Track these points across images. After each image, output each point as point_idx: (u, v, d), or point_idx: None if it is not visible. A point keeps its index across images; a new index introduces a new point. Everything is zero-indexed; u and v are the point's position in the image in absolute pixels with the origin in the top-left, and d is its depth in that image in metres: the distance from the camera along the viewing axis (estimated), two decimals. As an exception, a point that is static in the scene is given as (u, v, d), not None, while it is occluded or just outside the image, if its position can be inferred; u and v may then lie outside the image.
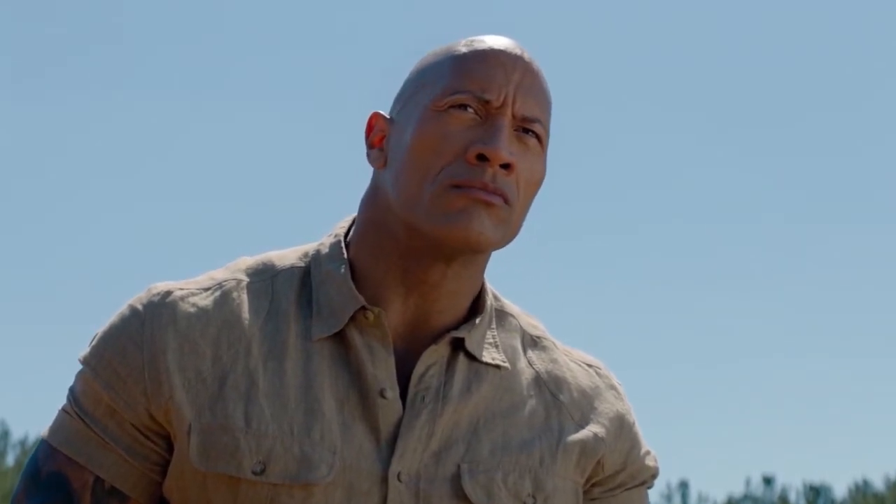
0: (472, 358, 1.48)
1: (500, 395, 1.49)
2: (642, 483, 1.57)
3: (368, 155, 1.50)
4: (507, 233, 1.44)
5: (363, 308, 1.44)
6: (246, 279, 1.49)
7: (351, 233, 1.51)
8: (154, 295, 1.46)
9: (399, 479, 1.41)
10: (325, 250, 1.50)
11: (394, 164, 1.45)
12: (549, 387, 1.53)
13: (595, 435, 1.52)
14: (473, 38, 1.47)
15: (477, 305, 1.51)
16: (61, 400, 1.49)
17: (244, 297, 1.47)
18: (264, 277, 1.49)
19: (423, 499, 1.42)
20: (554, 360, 1.55)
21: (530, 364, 1.54)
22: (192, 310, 1.45)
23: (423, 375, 1.45)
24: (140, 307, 1.45)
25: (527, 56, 1.46)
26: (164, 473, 1.45)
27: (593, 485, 1.53)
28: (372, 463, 1.41)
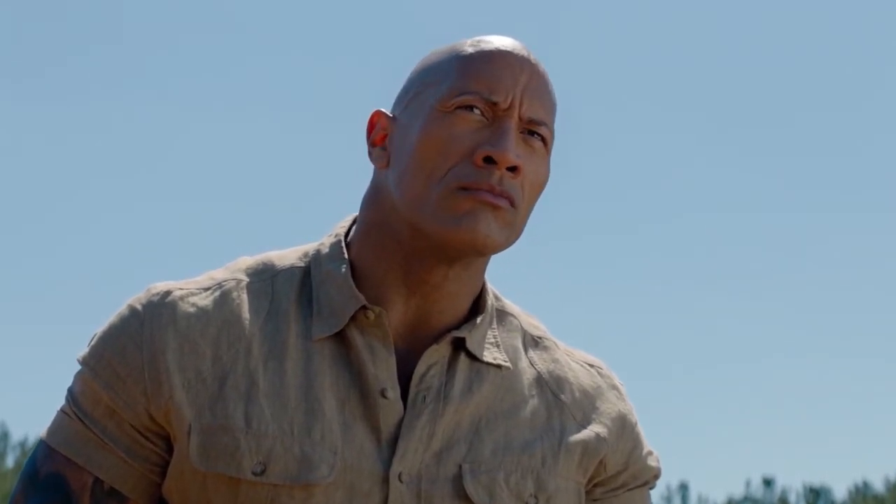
0: (473, 358, 1.48)
1: (501, 394, 1.48)
2: (644, 483, 1.57)
3: (370, 153, 1.49)
4: (512, 235, 1.43)
5: (364, 307, 1.44)
6: (246, 279, 1.48)
7: (352, 232, 1.51)
8: (153, 295, 1.45)
9: (400, 480, 1.41)
10: (325, 250, 1.50)
11: (398, 163, 1.44)
12: (551, 386, 1.52)
13: (597, 435, 1.51)
14: (479, 37, 1.46)
15: (478, 305, 1.51)
16: (61, 401, 1.48)
17: (244, 296, 1.46)
18: (264, 277, 1.49)
19: (425, 499, 1.41)
20: (555, 360, 1.55)
21: (532, 364, 1.53)
22: (191, 310, 1.44)
23: (424, 375, 1.44)
24: (139, 307, 1.45)
25: (533, 58, 1.45)
26: (163, 474, 1.45)
27: (595, 485, 1.53)
28: (373, 463, 1.41)
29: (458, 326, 1.48)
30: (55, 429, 1.46)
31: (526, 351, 1.54)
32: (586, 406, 1.53)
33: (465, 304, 1.48)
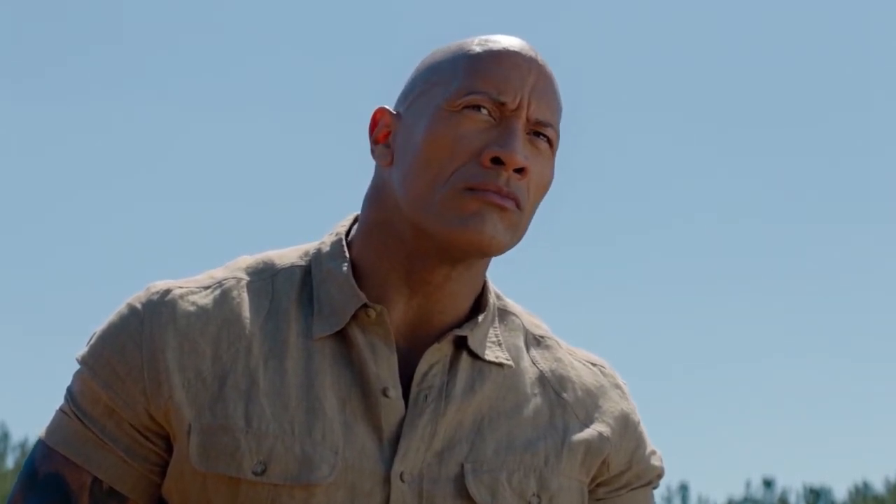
0: (475, 356, 1.47)
1: (503, 393, 1.48)
2: (648, 483, 1.56)
3: (373, 151, 1.48)
4: (516, 237, 1.43)
5: (365, 306, 1.43)
6: (246, 278, 1.48)
7: (353, 231, 1.50)
8: (153, 293, 1.45)
9: (402, 479, 1.40)
10: (326, 249, 1.49)
11: (402, 162, 1.44)
12: (554, 385, 1.52)
13: (600, 434, 1.51)
14: (486, 36, 1.45)
15: (479, 304, 1.50)
16: (61, 402, 1.48)
17: (244, 295, 1.46)
18: (264, 276, 1.48)
19: (427, 499, 1.40)
20: (558, 359, 1.54)
21: (534, 363, 1.53)
22: (191, 308, 1.44)
23: (425, 374, 1.44)
24: (139, 305, 1.44)
25: (540, 58, 1.45)
26: (163, 474, 1.44)
27: (598, 485, 1.52)
28: (374, 463, 1.40)
29: (459, 325, 1.47)
30: (54, 428, 1.46)
31: (528, 350, 1.53)
32: (589, 405, 1.52)
33: (466, 304, 1.48)
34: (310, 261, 1.49)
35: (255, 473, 1.38)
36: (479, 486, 1.42)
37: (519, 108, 1.42)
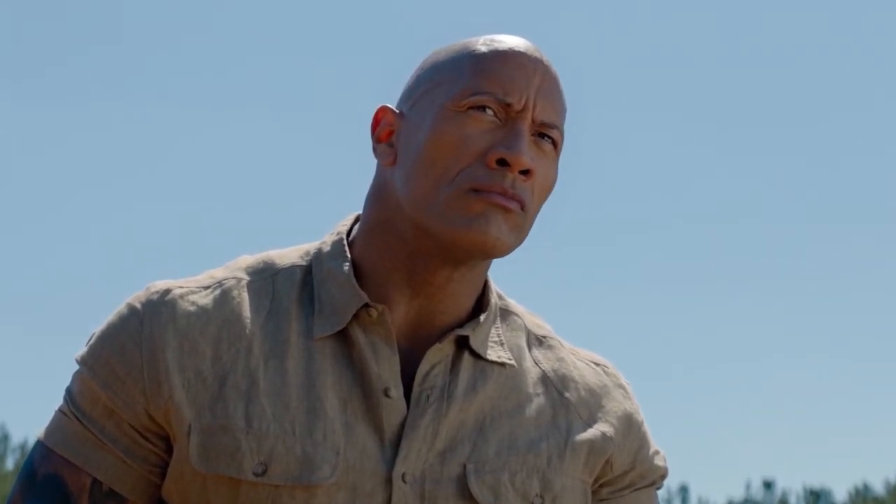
0: (477, 356, 1.47)
1: (506, 393, 1.47)
2: (651, 483, 1.55)
3: (375, 150, 1.48)
4: (520, 238, 1.42)
5: (366, 306, 1.43)
6: (246, 278, 1.47)
7: (355, 230, 1.50)
8: (153, 293, 1.44)
9: (403, 480, 1.39)
10: (326, 248, 1.49)
11: (405, 161, 1.43)
12: (556, 385, 1.51)
13: (603, 434, 1.50)
14: (491, 36, 1.45)
15: (481, 304, 1.50)
16: (61, 402, 1.47)
17: (244, 295, 1.45)
18: (265, 276, 1.47)
19: (429, 500, 1.40)
20: (560, 359, 1.54)
21: (536, 363, 1.52)
22: (191, 308, 1.43)
23: (427, 374, 1.43)
24: (139, 305, 1.43)
25: (546, 59, 1.44)
26: (163, 475, 1.43)
27: (602, 485, 1.52)
28: (376, 463, 1.39)
29: (461, 325, 1.47)
30: (53, 429, 1.45)
31: (530, 350, 1.53)
32: (592, 405, 1.52)
33: (468, 304, 1.47)
34: (310, 260, 1.49)
35: (256, 474, 1.37)
36: (481, 487, 1.42)
37: (524, 109, 1.41)
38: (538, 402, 1.49)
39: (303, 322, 1.44)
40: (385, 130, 1.47)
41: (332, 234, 1.51)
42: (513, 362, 1.49)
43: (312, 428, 1.39)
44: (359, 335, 1.43)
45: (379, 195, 1.46)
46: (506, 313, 1.53)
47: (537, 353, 1.53)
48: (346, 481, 1.38)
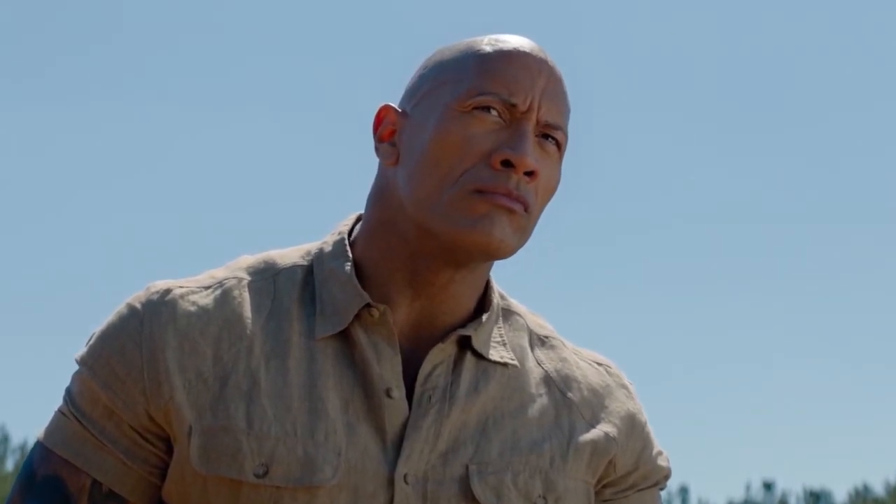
0: (479, 356, 1.46)
1: (508, 394, 1.46)
2: (655, 484, 1.55)
3: (377, 149, 1.47)
4: (523, 240, 1.42)
5: (368, 306, 1.42)
6: (247, 277, 1.47)
7: (356, 230, 1.49)
8: (153, 293, 1.43)
9: (406, 481, 1.39)
10: (328, 248, 1.48)
11: (408, 161, 1.42)
12: (559, 385, 1.51)
13: (607, 434, 1.49)
14: (495, 36, 1.44)
15: (482, 304, 1.49)
16: (60, 403, 1.46)
17: (245, 295, 1.45)
18: (266, 276, 1.47)
19: (431, 501, 1.39)
20: (563, 359, 1.53)
21: (539, 363, 1.51)
22: (192, 308, 1.42)
23: (429, 375, 1.42)
24: (139, 305, 1.43)
25: (550, 60, 1.44)
26: (163, 476, 1.43)
27: (605, 486, 1.51)
28: (378, 464, 1.39)
29: (463, 325, 1.46)
30: (52, 430, 1.44)
31: (532, 350, 1.52)
32: (595, 405, 1.51)
33: (470, 304, 1.47)
34: (312, 260, 1.48)
35: (257, 475, 1.37)
36: (484, 488, 1.41)
37: (529, 110, 1.40)
38: (541, 402, 1.48)
39: (304, 322, 1.43)
40: (387, 130, 1.46)
41: (333, 233, 1.50)
42: (515, 362, 1.48)
43: (314, 429, 1.38)
44: (360, 335, 1.42)
45: (381, 195, 1.46)
46: (508, 313, 1.53)
47: (540, 353, 1.53)
48: (348, 482, 1.37)
